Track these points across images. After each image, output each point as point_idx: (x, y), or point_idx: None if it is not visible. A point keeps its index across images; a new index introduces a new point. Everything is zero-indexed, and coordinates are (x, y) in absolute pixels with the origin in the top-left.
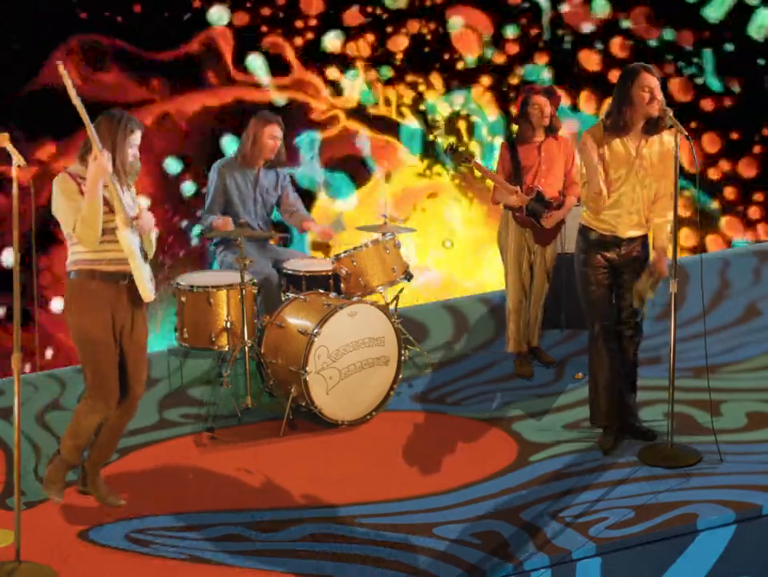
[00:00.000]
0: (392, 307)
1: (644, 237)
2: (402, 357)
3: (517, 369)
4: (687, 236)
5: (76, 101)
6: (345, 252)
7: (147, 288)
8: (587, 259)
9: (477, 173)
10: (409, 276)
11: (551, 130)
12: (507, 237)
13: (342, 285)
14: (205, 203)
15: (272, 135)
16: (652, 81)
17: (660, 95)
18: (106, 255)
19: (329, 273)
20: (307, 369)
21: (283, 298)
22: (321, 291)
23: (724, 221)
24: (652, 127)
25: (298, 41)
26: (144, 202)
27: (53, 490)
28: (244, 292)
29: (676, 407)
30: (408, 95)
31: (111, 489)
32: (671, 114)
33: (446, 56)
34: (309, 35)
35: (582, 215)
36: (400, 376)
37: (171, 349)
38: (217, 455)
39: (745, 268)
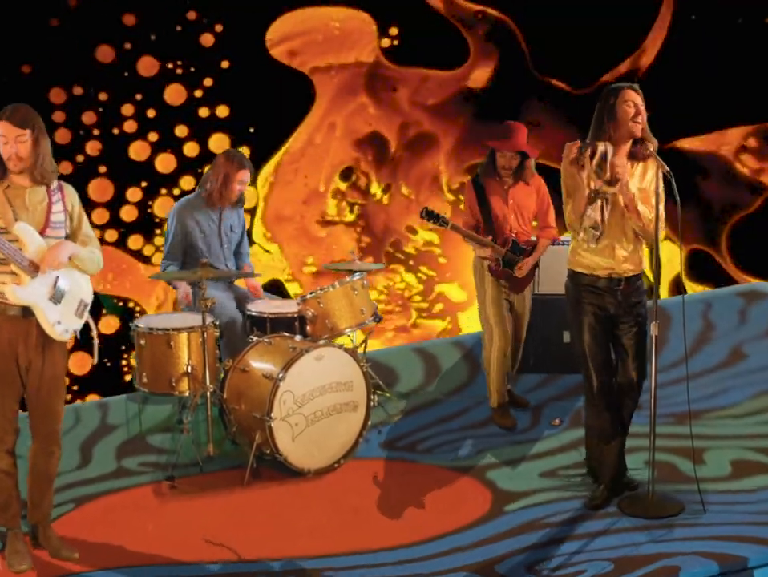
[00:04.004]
0: (360, 350)
1: (641, 279)
2: (371, 403)
3: (498, 420)
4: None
5: None
6: (311, 292)
7: (53, 328)
8: (580, 306)
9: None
10: (378, 318)
11: (522, 177)
12: (484, 289)
13: (309, 328)
14: (164, 247)
15: (243, 180)
16: (636, 97)
17: (644, 114)
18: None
19: (295, 315)
20: (272, 415)
21: (247, 341)
22: (287, 334)
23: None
24: (638, 151)
25: None
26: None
27: (14, 560)
28: (205, 335)
29: (657, 455)
30: None
31: (64, 542)
32: (652, 148)
33: None
34: None
35: (569, 259)
36: (369, 422)
37: (130, 395)
38: (177, 505)
39: (730, 309)
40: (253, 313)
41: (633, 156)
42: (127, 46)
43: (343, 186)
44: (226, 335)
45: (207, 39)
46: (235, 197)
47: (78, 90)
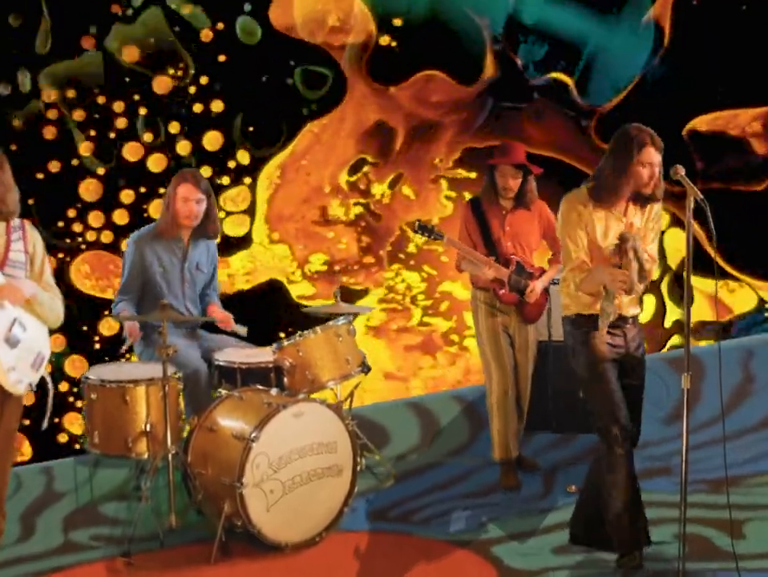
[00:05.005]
0: (346, 406)
1: (641, 328)
2: (358, 467)
3: (502, 480)
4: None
5: None
6: (288, 339)
7: (5, 376)
8: (590, 350)
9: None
10: (366, 369)
11: (522, 203)
12: (479, 320)
13: (286, 380)
14: (121, 282)
15: (186, 196)
16: (655, 157)
17: (657, 174)
18: None
19: (270, 365)
20: (243, 480)
21: (214, 395)
22: (261, 387)
23: None
24: (640, 198)
25: None
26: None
27: None
28: (167, 388)
29: (689, 527)
30: None
31: None
32: (682, 172)
33: None
34: None
35: (567, 304)
36: (355, 489)
37: (79, 457)
38: None
39: None
40: (221, 363)
41: (634, 201)
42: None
43: (346, 184)
44: (190, 388)
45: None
46: (184, 219)
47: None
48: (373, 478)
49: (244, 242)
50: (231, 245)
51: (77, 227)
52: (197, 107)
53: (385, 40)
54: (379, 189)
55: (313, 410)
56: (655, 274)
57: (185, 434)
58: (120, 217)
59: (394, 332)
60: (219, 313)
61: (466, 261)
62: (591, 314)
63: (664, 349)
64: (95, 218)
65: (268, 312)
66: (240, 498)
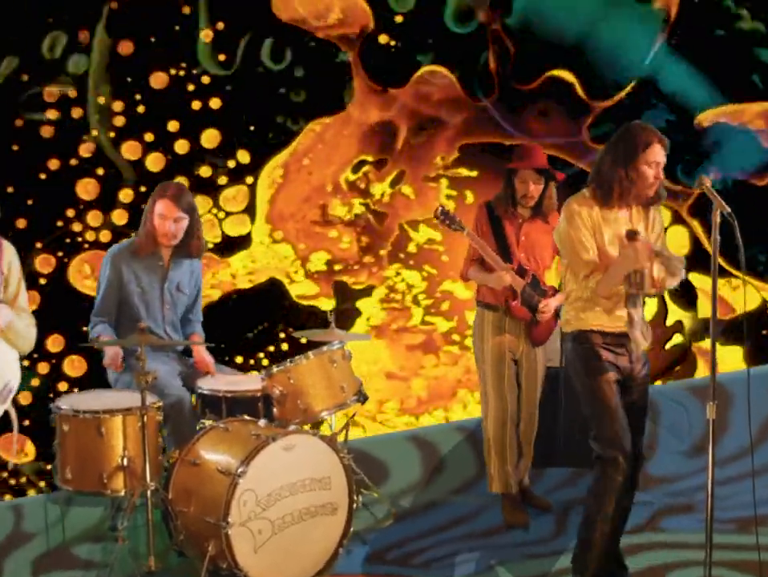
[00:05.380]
0: (341, 438)
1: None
2: (354, 505)
3: (507, 516)
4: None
5: None
6: (278, 365)
7: None
8: (598, 368)
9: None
10: (363, 398)
11: (540, 213)
12: (483, 342)
13: (275, 410)
14: (96, 301)
15: (164, 213)
16: (662, 154)
17: (662, 175)
18: None
19: (258, 394)
20: (229, 520)
21: (198, 427)
22: (248, 417)
23: None
24: (643, 200)
25: None
26: None
27: None
28: (145, 419)
29: (715, 570)
30: None
31: None
32: (708, 184)
33: None
34: None
35: (570, 322)
36: (351, 529)
37: (51, 495)
38: None
39: None
40: (205, 392)
41: (638, 202)
42: None
43: (345, 183)
44: (171, 419)
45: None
46: (162, 238)
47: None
48: (371, 517)
49: (244, 241)
50: (232, 245)
51: (76, 227)
52: (195, 104)
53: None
54: (380, 188)
55: (305, 443)
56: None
57: (166, 469)
58: (119, 217)
59: (395, 332)
60: (201, 357)
61: (476, 269)
62: (593, 330)
63: (667, 346)
64: (94, 217)
65: (269, 311)
66: (226, 539)
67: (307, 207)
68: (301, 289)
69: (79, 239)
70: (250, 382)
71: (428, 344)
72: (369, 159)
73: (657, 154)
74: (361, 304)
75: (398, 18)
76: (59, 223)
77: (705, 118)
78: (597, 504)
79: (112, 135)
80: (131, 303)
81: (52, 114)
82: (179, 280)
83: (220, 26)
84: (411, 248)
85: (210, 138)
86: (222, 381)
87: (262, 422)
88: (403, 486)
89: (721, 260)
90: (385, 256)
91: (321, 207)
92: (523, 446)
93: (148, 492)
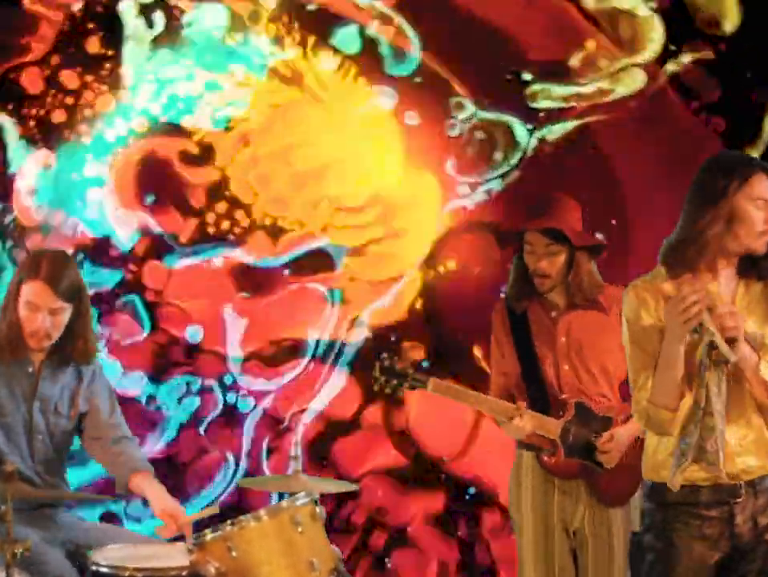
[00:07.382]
0: None
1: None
2: None
3: None
4: None
5: None
6: (214, 529)
7: None
8: (671, 529)
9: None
10: None
11: (580, 299)
12: (520, 497)
13: None
14: None
15: (33, 301)
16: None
17: None
18: None
19: (184, 574)
20: None
21: None
22: None
23: None
24: (751, 266)
25: None
26: None
27: None
28: None
29: None
30: None
31: None
32: None
33: None
34: None
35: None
36: None
37: None
38: None
39: None
40: (103, 570)
41: (744, 272)
42: None
43: None
44: None
45: None
46: (29, 337)
47: None
48: None
49: None
50: None
51: None
52: None
53: None
54: None
55: None
56: None
57: None
58: None
59: None
60: (161, 505)
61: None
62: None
63: None
64: None
65: None
66: None
67: None
68: None
69: None
70: (172, 555)
71: None
72: None
73: (763, 187)
74: None
75: None
76: None
77: None
78: None
79: None
80: None
81: None
82: (56, 399)
83: None
84: None
85: None
86: (127, 554)
87: None
88: None
89: None
90: None
91: None
92: None
93: None
